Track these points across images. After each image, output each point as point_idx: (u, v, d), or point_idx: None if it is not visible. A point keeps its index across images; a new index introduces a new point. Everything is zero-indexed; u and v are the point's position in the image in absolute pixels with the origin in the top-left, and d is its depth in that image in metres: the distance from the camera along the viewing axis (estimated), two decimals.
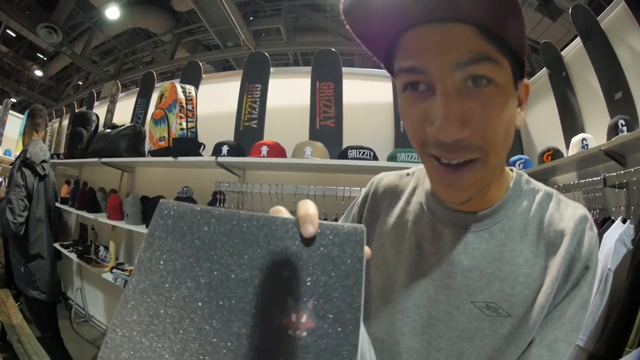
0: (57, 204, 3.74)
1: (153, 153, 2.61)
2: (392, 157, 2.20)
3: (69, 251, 3.44)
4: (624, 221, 1.50)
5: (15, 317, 2.82)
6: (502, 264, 0.57)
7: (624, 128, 1.79)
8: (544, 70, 2.73)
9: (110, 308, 3.51)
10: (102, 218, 2.96)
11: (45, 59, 7.36)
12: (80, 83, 8.10)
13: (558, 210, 0.59)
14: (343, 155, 2.18)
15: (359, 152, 2.15)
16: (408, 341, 0.60)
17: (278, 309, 0.41)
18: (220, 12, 4.45)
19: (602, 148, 1.71)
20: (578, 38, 2.32)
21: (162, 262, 0.42)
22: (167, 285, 0.41)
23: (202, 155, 2.47)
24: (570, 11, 2.37)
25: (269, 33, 5.34)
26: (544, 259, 0.57)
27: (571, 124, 2.40)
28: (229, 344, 0.40)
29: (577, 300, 0.55)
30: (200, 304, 0.41)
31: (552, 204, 0.60)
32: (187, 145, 2.48)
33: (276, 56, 5.98)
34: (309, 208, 0.39)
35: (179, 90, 2.56)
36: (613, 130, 1.84)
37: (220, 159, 2.31)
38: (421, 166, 0.62)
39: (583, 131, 2.27)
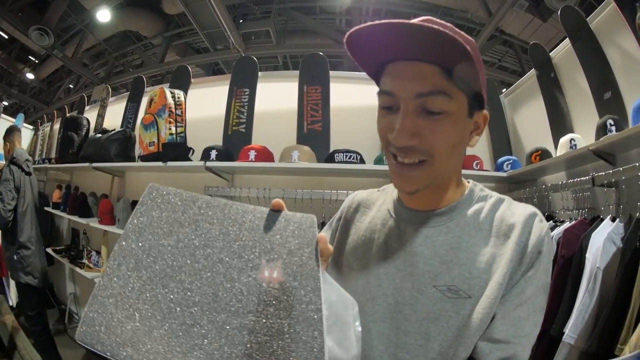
0: (49, 209, 3.78)
1: (143, 158, 2.63)
2: (378, 160, 2.23)
3: (61, 256, 3.44)
4: (613, 220, 1.52)
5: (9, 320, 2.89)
6: (460, 252, 0.66)
7: (613, 128, 1.80)
8: (532, 71, 2.76)
9: None
10: (93, 223, 2.97)
11: (37, 61, 7.33)
12: (72, 86, 8.08)
13: (509, 209, 0.70)
14: (330, 158, 2.22)
15: (346, 156, 2.19)
16: (379, 327, 0.67)
17: (251, 267, 0.51)
18: (210, 15, 4.46)
19: (591, 148, 1.74)
20: (567, 39, 2.34)
21: (151, 231, 0.52)
22: (156, 250, 0.50)
23: (191, 160, 2.49)
24: (559, 12, 2.38)
25: (258, 36, 5.37)
26: (497, 247, 0.66)
27: (560, 124, 2.44)
28: (206, 296, 0.48)
29: (535, 282, 0.64)
30: (184, 266, 0.50)
31: (503, 205, 0.71)
32: (177, 150, 2.49)
33: (266, 59, 6.01)
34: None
35: (168, 95, 2.58)
36: (602, 130, 1.86)
37: (208, 163, 2.33)
38: (390, 184, 0.78)
39: (572, 131, 2.29)
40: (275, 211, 0.55)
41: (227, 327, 0.47)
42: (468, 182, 0.76)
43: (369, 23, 0.57)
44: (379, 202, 0.81)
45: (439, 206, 0.70)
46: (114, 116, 3.69)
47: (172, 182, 2.74)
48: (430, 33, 0.54)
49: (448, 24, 0.58)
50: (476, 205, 0.71)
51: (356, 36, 0.59)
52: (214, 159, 2.38)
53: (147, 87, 3.63)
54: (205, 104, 3.01)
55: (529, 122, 2.91)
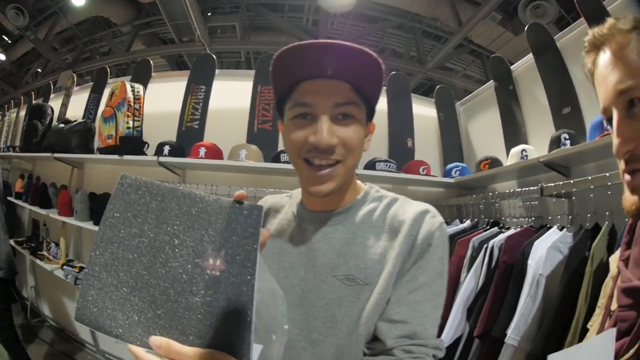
0: (12, 199, 3.76)
1: (101, 150, 2.68)
2: None
3: (22, 248, 3.42)
4: (561, 229, 1.59)
5: None
6: (355, 246, 0.77)
7: (567, 142, 1.87)
8: (490, 83, 2.84)
9: (63, 306, 3.50)
10: (53, 214, 2.99)
11: (9, 42, 7.14)
12: (40, 70, 7.90)
13: (402, 207, 0.79)
14: (276, 158, 2.31)
15: None
16: (291, 314, 0.75)
17: (199, 255, 0.57)
18: (180, 5, 4.43)
19: (541, 160, 1.83)
20: (530, 54, 2.42)
21: (121, 219, 0.59)
22: (125, 236, 0.58)
23: (146, 155, 2.55)
24: (526, 28, 2.45)
25: (224, 30, 5.35)
26: (389, 241, 0.76)
27: (514, 135, 2.52)
28: (164, 281, 0.56)
29: (429, 270, 0.73)
30: (147, 250, 0.57)
31: (397, 204, 0.81)
32: (133, 144, 2.55)
33: (229, 54, 6.01)
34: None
35: (129, 89, 2.64)
36: (555, 143, 1.93)
37: (161, 159, 2.40)
38: (297, 189, 0.88)
39: (526, 142, 2.37)
40: (237, 202, 0.60)
41: (179, 305, 0.57)
42: (365, 184, 0.87)
43: (302, 43, 0.69)
44: (286, 207, 0.89)
45: (337, 207, 0.80)
46: (77, 106, 3.67)
47: None
48: (353, 55, 0.69)
49: (359, 47, 0.71)
50: (371, 204, 0.82)
51: (286, 54, 0.70)
52: (167, 154, 2.44)
53: (110, 78, 3.63)
54: (164, 98, 3.05)
55: (483, 132, 3.02)
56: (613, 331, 0.56)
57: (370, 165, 2.49)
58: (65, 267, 2.90)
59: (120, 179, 0.61)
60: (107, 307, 0.57)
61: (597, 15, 1.88)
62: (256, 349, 0.59)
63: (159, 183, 0.62)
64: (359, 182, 0.86)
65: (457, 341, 1.79)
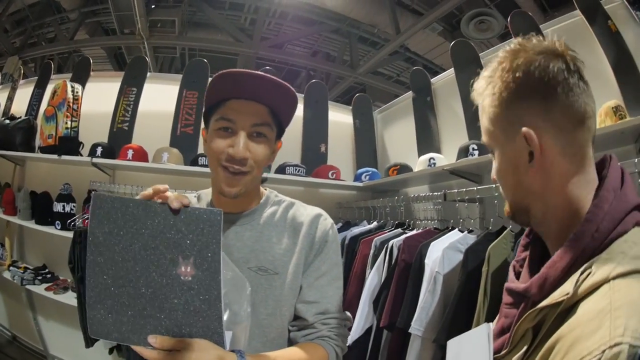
0: None
1: (42, 149, 2.74)
2: None
3: None
4: (462, 231, 1.72)
5: None
6: (263, 242, 0.94)
7: (476, 152, 1.99)
8: (409, 94, 2.99)
9: (12, 308, 3.26)
10: None
11: None
12: None
13: (299, 210, 1.00)
14: (194, 161, 2.53)
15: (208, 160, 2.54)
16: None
17: (173, 264, 0.66)
18: None
19: (446, 168, 1.99)
20: (451, 70, 2.58)
21: (103, 238, 0.67)
22: (108, 254, 0.67)
23: (81, 155, 2.67)
24: (450, 45, 2.60)
25: (164, 24, 5.36)
26: (291, 238, 0.96)
27: (427, 143, 2.69)
28: (149, 288, 0.66)
29: (328, 261, 0.96)
30: (130, 263, 0.67)
31: (294, 207, 1.01)
32: (70, 144, 2.65)
33: (165, 49, 6.07)
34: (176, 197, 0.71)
35: (69, 89, 2.71)
36: (463, 152, 2.06)
37: (94, 159, 2.53)
38: (205, 190, 1.03)
39: (439, 151, 2.57)
40: (186, 207, 0.69)
41: (164, 308, 0.67)
42: (265, 189, 1.04)
43: (235, 70, 0.85)
44: (196, 205, 0.96)
45: (244, 210, 0.95)
46: (21, 100, 3.66)
47: (65, 174, 2.87)
48: (273, 85, 0.87)
49: (279, 80, 0.89)
50: (272, 207, 0.99)
51: (223, 75, 0.86)
52: (99, 155, 2.56)
53: (53, 72, 3.66)
54: (100, 98, 3.09)
55: (399, 140, 3.19)
56: (489, 325, 0.68)
57: (281, 169, 2.72)
58: (11, 267, 2.89)
59: (94, 198, 0.68)
60: (113, 321, 0.67)
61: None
62: (227, 336, 0.69)
63: (129, 198, 0.69)
64: (261, 188, 1.02)
65: (368, 331, 1.92)
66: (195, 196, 1.04)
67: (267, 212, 0.98)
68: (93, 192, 0.76)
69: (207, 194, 1.02)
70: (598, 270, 0.50)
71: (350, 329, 1.04)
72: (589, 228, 0.55)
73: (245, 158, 0.87)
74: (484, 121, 0.67)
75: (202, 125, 0.99)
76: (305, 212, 1.00)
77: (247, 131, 0.88)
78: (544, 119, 0.59)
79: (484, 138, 0.69)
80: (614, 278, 0.48)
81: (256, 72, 0.88)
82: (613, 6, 1.90)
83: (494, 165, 0.69)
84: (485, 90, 0.66)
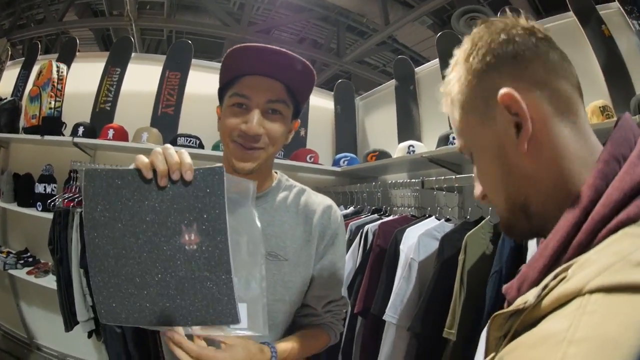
0: None
1: (26, 130, 2.74)
2: (215, 147, 2.61)
3: None
4: (438, 219, 1.72)
5: None
6: (275, 227, 0.92)
7: (455, 141, 1.85)
8: (392, 82, 3.00)
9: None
10: None
11: None
12: None
13: (310, 198, 0.99)
14: (173, 141, 2.55)
15: (187, 140, 2.54)
16: None
17: (176, 234, 0.62)
18: None
19: (424, 155, 1.97)
20: (436, 60, 2.60)
21: (100, 216, 0.63)
22: (108, 233, 0.63)
23: (64, 135, 2.67)
24: (436, 37, 2.61)
25: (153, 6, 5.32)
26: (303, 225, 0.95)
27: (408, 131, 2.70)
28: (155, 263, 0.63)
29: (338, 253, 0.99)
30: (131, 239, 0.63)
31: (305, 194, 1.00)
32: (53, 124, 2.66)
33: (151, 31, 6.03)
34: (183, 157, 0.65)
35: (54, 69, 2.71)
36: (443, 141, 2.07)
37: (75, 139, 2.53)
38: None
39: (419, 140, 2.57)
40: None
41: (170, 278, 0.63)
42: (276, 172, 1.01)
43: (251, 45, 0.82)
44: None
45: (257, 191, 0.86)
46: (7, 81, 3.67)
47: (48, 155, 2.88)
48: (291, 62, 0.84)
49: (297, 56, 0.86)
50: (284, 192, 0.97)
51: (237, 50, 0.83)
52: (81, 135, 2.57)
53: (40, 53, 3.65)
54: (85, 78, 3.08)
55: (380, 127, 3.19)
56: None
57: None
58: None
59: (85, 175, 0.64)
60: (121, 303, 0.64)
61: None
62: (242, 308, 0.64)
63: (123, 169, 0.64)
64: (273, 171, 1.00)
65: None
66: None
67: (280, 195, 0.97)
68: (84, 169, 0.66)
69: None
70: (574, 276, 0.35)
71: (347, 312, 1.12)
72: (576, 214, 0.42)
73: (259, 134, 0.84)
74: (455, 114, 0.58)
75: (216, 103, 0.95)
76: (317, 200, 1.01)
77: (262, 108, 0.85)
78: (521, 78, 0.49)
79: (458, 141, 0.59)
80: (593, 292, 0.32)
81: (274, 47, 0.84)
82: (609, 12, 1.91)
83: (475, 170, 0.58)
84: (451, 74, 0.59)
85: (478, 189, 0.58)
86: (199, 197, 0.62)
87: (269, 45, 0.83)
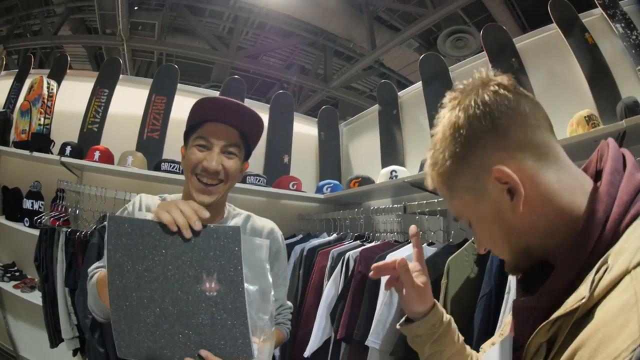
0: None
1: (16, 144, 2.77)
2: None
3: None
4: (423, 244, 1.68)
5: None
6: None
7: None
8: (376, 106, 3.04)
9: None
10: None
11: None
12: None
13: (256, 222, 1.19)
14: (157, 167, 2.62)
15: (171, 166, 2.61)
16: None
17: (197, 281, 0.68)
18: None
19: (406, 180, 2.00)
20: (419, 83, 2.64)
21: (123, 261, 0.67)
22: (131, 277, 0.68)
23: (52, 153, 2.71)
24: (420, 59, 2.66)
25: (144, 28, 5.42)
26: None
27: (391, 156, 2.73)
28: (176, 307, 0.67)
29: (283, 266, 1.21)
30: (154, 284, 0.67)
31: (251, 219, 1.19)
32: (42, 141, 2.70)
33: (142, 53, 6.12)
34: (196, 211, 0.77)
35: (45, 85, 2.76)
36: (424, 165, 2.14)
37: (63, 158, 2.58)
38: (172, 195, 1.16)
39: (403, 164, 2.61)
40: (205, 226, 0.72)
41: (190, 324, 0.68)
42: (229, 205, 1.19)
43: (216, 97, 1.03)
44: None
45: (213, 221, 1.03)
46: (1, 91, 3.67)
47: (37, 171, 2.90)
48: (244, 113, 1.05)
49: (249, 108, 1.08)
50: (234, 220, 1.15)
51: (205, 100, 1.04)
52: (68, 154, 2.61)
53: (33, 67, 3.73)
54: (75, 97, 3.13)
55: (363, 152, 3.24)
56: (511, 338, 0.61)
57: (242, 178, 2.82)
58: None
59: (110, 222, 0.69)
60: (140, 339, 0.68)
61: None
62: (254, 346, 0.72)
63: (146, 220, 0.70)
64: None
65: (327, 342, 1.93)
66: (161, 198, 1.14)
67: (231, 223, 1.14)
68: (108, 215, 0.71)
69: (174, 199, 1.12)
70: (616, 263, 0.43)
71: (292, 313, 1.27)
72: (596, 219, 0.48)
73: (218, 171, 1.03)
74: (444, 192, 0.62)
75: (179, 142, 1.13)
76: (261, 223, 1.20)
77: (221, 149, 1.04)
78: (504, 147, 0.53)
79: (457, 215, 0.63)
80: (635, 267, 0.41)
81: (231, 100, 1.06)
82: (591, 19, 1.94)
83: (477, 236, 0.63)
84: (435, 154, 0.62)
85: (481, 246, 0.64)
86: (219, 250, 0.70)
87: (228, 99, 1.06)
